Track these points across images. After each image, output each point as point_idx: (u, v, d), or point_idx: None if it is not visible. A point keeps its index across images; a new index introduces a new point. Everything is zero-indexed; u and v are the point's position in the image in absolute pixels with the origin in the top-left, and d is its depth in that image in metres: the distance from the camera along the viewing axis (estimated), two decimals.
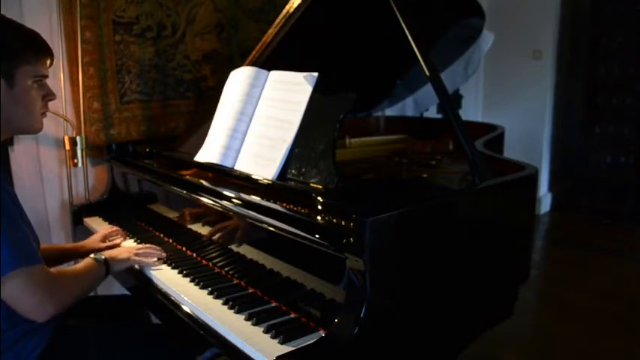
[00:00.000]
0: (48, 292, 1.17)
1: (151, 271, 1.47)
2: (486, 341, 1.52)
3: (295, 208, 1.27)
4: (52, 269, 1.24)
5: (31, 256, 1.15)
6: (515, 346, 2.47)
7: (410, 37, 1.44)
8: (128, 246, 1.53)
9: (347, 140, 2.28)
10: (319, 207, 1.21)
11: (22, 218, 1.21)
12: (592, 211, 4.33)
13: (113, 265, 1.40)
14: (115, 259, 1.42)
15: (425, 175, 1.74)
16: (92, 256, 1.39)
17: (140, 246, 1.53)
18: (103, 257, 1.39)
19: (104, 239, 1.70)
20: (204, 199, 1.47)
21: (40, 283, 1.15)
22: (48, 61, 1.27)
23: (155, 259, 1.50)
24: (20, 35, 1.22)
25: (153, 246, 1.55)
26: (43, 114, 1.28)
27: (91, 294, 1.52)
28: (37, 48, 1.23)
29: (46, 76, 1.27)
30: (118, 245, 1.69)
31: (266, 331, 1.11)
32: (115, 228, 1.79)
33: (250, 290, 1.33)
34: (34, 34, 1.24)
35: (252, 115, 1.56)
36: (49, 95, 1.28)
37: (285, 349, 1.04)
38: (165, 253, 1.57)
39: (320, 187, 1.30)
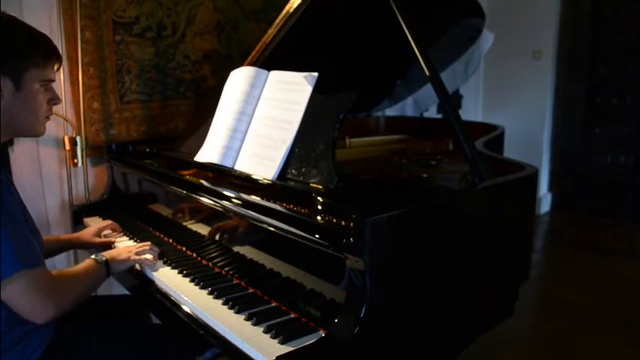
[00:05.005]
0: (49, 295, 1.17)
1: (151, 272, 1.47)
2: (486, 341, 1.52)
3: (295, 208, 1.27)
4: (54, 271, 1.24)
5: (33, 258, 1.15)
6: (515, 346, 2.47)
7: (410, 37, 1.44)
8: (127, 246, 1.53)
9: (347, 140, 2.28)
10: (319, 207, 1.21)
11: (26, 220, 1.21)
12: (592, 211, 4.33)
13: (114, 266, 1.40)
14: (115, 259, 1.42)
15: (425, 175, 1.74)
16: (93, 257, 1.38)
17: (139, 244, 1.53)
18: (104, 258, 1.39)
19: (98, 233, 1.73)
20: (204, 199, 1.47)
21: (41, 286, 1.15)
22: (56, 66, 1.27)
23: (155, 256, 1.50)
24: (32, 38, 1.21)
25: (150, 243, 1.55)
26: (47, 118, 1.28)
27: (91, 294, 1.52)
28: (47, 52, 1.23)
29: (53, 80, 1.27)
30: (112, 242, 1.70)
31: (266, 331, 1.11)
32: (109, 222, 1.80)
33: (250, 290, 1.33)
34: (44, 38, 1.24)
35: (252, 115, 1.56)
36: (54, 99, 1.28)
37: (285, 349, 1.04)
38: (165, 253, 1.57)
39: (320, 187, 1.30)
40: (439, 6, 1.92)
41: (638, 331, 2.59)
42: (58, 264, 2.16)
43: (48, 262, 1.31)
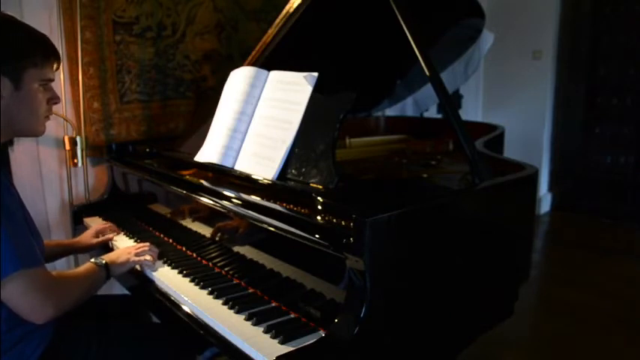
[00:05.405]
0: (49, 295, 1.16)
1: (151, 271, 1.47)
2: (486, 341, 1.52)
3: (295, 208, 1.27)
4: (53, 272, 1.24)
5: (32, 258, 1.15)
6: (515, 346, 2.47)
7: (410, 37, 1.44)
8: (126, 247, 1.53)
9: (347, 140, 2.28)
10: (319, 207, 1.21)
11: (26, 220, 1.21)
12: (592, 211, 4.33)
13: (113, 269, 1.40)
14: (115, 262, 1.41)
15: (425, 175, 1.74)
16: (92, 260, 1.38)
17: (138, 245, 1.53)
18: (104, 262, 1.38)
19: (97, 234, 1.73)
20: (204, 199, 1.48)
21: (41, 286, 1.15)
22: (55, 65, 1.27)
23: (154, 257, 1.50)
24: (30, 38, 1.21)
25: (149, 244, 1.55)
26: (47, 117, 1.28)
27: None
28: (46, 51, 1.23)
29: (52, 80, 1.27)
30: (110, 239, 1.71)
31: (266, 331, 1.11)
32: (108, 224, 1.81)
33: (250, 290, 1.33)
34: (43, 38, 1.24)
35: (252, 115, 1.56)
36: (53, 99, 1.28)
37: (285, 349, 1.04)
38: (165, 253, 1.57)
39: (320, 187, 1.30)
40: (439, 6, 1.92)
41: (638, 331, 2.59)
42: (58, 266, 2.16)
43: (48, 265, 1.30)
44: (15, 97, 1.18)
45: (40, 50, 1.22)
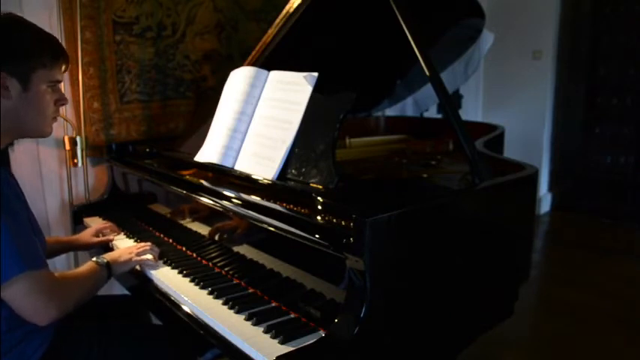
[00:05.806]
0: (52, 297, 1.16)
1: (151, 271, 1.47)
2: (486, 341, 1.52)
3: (295, 208, 1.27)
4: (56, 273, 1.24)
5: (36, 260, 1.15)
6: (515, 346, 2.47)
7: (410, 37, 1.44)
8: (127, 246, 1.53)
9: (347, 140, 2.28)
10: (319, 207, 1.21)
11: (31, 222, 1.21)
12: (592, 211, 4.33)
13: (115, 268, 1.40)
14: (117, 261, 1.41)
15: (425, 175, 1.74)
16: (94, 259, 1.38)
17: (139, 245, 1.53)
18: (105, 260, 1.38)
19: (97, 234, 1.73)
20: (204, 199, 1.48)
21: (44, 288, 1.15)
22: (63, 67, 1.27)
23: (155, 256, 1.51)
24: (39, 39, 1.21)
25: (150, 243, 1.55)
26: (54, 118, 1.29)
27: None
28: (54, 52, 1.23)
29: (60, 81, 1.27)
30: (110, 240, 1.71)
31: (266, 331, 1.11)
32: (108, 224, 1.81)
33: (250, 290, 1.33)
34: (52, 39, 1.24)
35: (252, 115, 1.56)
36: (61, 100, 1.28)
37: (285, 349, 1.04)
38: (165, 253, 1.57)
39: (320, 187, 1.30)
40: (439, 6, 1.92)
41: (638, 331, 2.59)
42: (59, 264, 2.16)
43: (49, 263, 1.31)
44: (23, 98, 1.18)
45: (49, 51, 1.22)
